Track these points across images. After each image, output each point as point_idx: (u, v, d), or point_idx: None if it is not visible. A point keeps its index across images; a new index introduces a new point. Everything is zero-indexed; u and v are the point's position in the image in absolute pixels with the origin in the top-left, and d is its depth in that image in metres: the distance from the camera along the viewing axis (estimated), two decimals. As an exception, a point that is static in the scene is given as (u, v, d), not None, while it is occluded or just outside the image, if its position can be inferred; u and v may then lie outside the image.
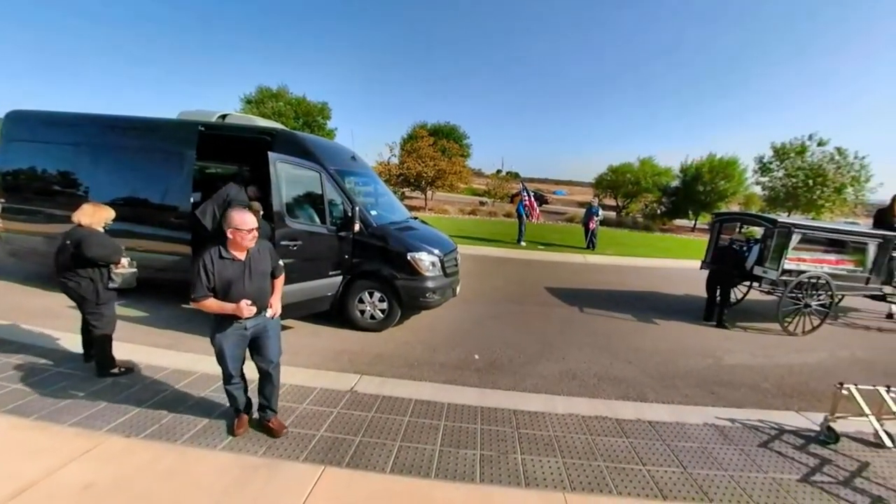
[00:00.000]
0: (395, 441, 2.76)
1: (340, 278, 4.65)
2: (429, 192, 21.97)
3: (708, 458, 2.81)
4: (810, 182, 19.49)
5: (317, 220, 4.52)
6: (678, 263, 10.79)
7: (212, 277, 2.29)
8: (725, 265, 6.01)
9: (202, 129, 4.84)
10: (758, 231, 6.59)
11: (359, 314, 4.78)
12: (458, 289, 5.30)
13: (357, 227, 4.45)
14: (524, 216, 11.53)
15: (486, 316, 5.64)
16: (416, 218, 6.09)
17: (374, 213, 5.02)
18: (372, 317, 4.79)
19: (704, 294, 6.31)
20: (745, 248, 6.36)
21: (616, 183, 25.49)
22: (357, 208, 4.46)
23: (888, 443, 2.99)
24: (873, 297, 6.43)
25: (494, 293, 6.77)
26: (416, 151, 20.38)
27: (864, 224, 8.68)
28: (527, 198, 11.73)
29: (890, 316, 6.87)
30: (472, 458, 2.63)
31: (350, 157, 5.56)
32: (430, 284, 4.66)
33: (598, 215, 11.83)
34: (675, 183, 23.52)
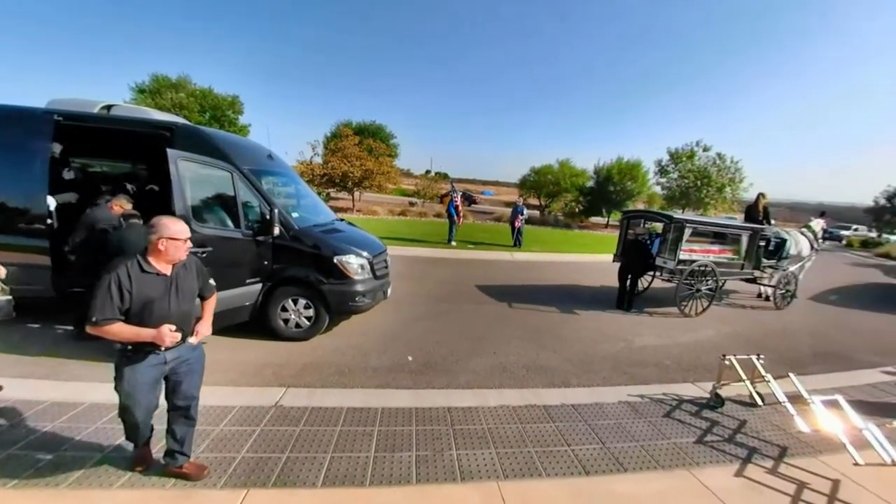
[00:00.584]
0: (326, 453, 2.62)
1: (260, 286, 4.30)
2: (356, 193, 21.38)
3: (622, 432, 3.14)
4: (698, 183, 23.24)
5: (229, 223, 4.12)
6: (595, 258, 11.95)
7: (126, 296, 1.89)
8: (634, 257, 6.83)
9: (60, 118, 4.10)
10: (659, 226, 7.58)
11: (282, 323, 4.46)
12: (389, 291, 5.23)
13: (277, 230, 4.16)
14: (455, 216, 11.78)
15: (419, 317, 5.65)
16: (342, 220, 5.89)
17: (295, 215, 4.73)
18: (297, 325, 4.50)
19: (617, 284, 7.07)
20: (649, 242, 7.29)
21: (538, 183, 27.35)
22: (276, 210, 4.17)
23: (759, 402, 3.64)
24: (747, 281, 7.78)
25: (427, 293, 6.82)
26: (342, 151, 19.69)
27: (738, 218, 10.52)
28: (457, 198, 12.02)
29: (759, 296, 8.40)
30: (408, 460, 2.60)
31: (267, 156, 5.18)
32: (359, 288, 4.53)
33: (523, 214, 12.56)
34: (590, 183, 26.03)
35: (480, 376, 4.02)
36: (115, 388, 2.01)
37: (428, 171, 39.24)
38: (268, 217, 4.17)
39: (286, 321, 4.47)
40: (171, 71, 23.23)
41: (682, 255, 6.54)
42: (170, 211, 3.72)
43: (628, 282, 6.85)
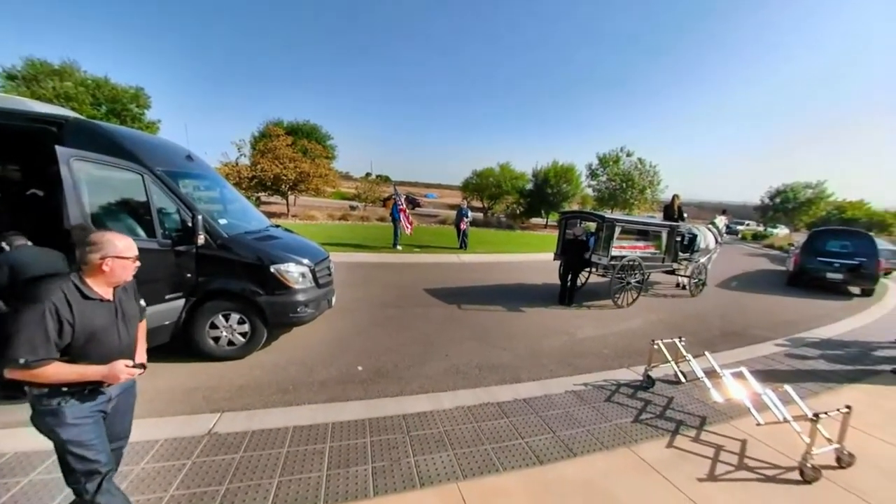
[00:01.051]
0: (272, 479, 2.47)
1: (182, 302, 3.90)
2: (291, 197, 20.30)
3: (570, 420, 3.38)
4: (624, 185, 25.77)
5: (141, 232, 3.67)
6: (537, 256, 12.66)
7: (67, 329, 1.59)
8: (572, 255, 7.37)
9: None
10: (593, 225, 8.26)
11: (212, 342, 4.09)
12: (333, 299, 5.07)
13: (201, 238, 3.81)
14: (399, 220, 11.72)
15: (367, 324, 5.54)
16: (277, 226, 5.59)
17: (223, 221, 4.36)
18: (230, 342, 4.16)
19: (559, 281, 7.59)
20: (585, 240, 7.91)
21: (481, 186, 28.28)
22: (200, 217, 3.81)
23: (682, 379, 4.12)
24: (667, 272, 8.79)
25: (374, 300, 6.71)
26: (272, 151, 18.53)
27: (658, 217, 11.84)
28: (401, 202, 11.95)
29: (677, 285, 9.51)
30: (364, 474, 2.55)
31: (185, 157, 4.72)
32: (300, 298, 4.32)
33: (467, 216, 12.91)
34: (529, 186, 27.52)
35: (434, 380, 4.05)
36: (52, 434, 1.65)
37: (368, 174, 38.45)
38: (189, 224, 3.81)
39: (217, 339, 4.11)
40: (55, 57, 20.09)
41: (614, 252, 7.22)
42: (59, 220, 3.25)
43: (568, 278, 7.37)
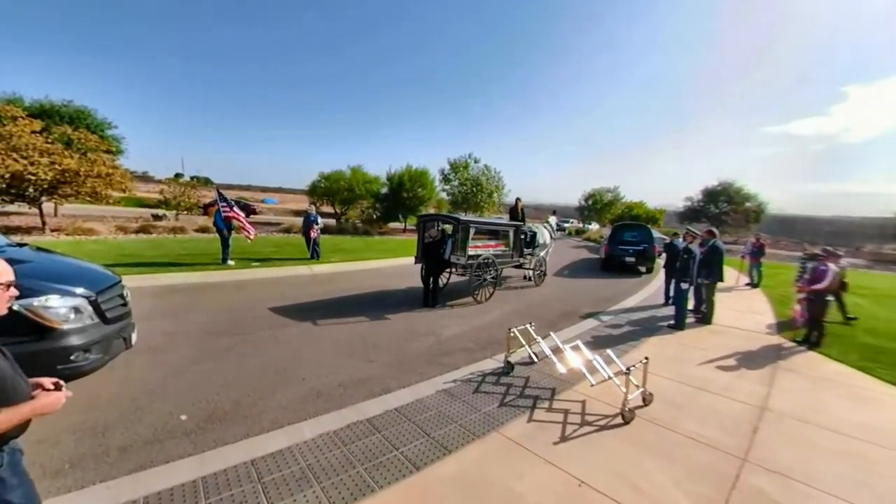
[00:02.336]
0: None
1: None
2: (48, 205, 15.40)
3: (443, 419, 3.56)
4: (474, 189, 28.74)
5: None
6: (398, 261, 12.93)
7: None
8: (433, 258, 7.81)
9: None
10: (449, 228, 8.93)
11: None
12: (134, 336, 4.11)
13: None
14: (225, 230, 10.21)
15: (190, 361, 4.64)
16: (24, 245, 4.21)
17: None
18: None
19: (421, 284, 7.93)
20: (443, 243, 8.49)
21: (331, 190, 27.27)
22: None
23: (535, 359, 4.83)
24: (515, 267, 10.20)
25: (199, 329, 5.68)
26: (6, 140, 13.53)
27: (505, 218, 13.64)
28: (228, 208, 10.41)
29: (524, 278, 11.11)
30: (200, 548, 2.11)
31: None
32: (75, 341, 3.32)
33: (317, 223, 12.25)
34: (384, 190, 27.95)
35: (290, 410, 3.67)
36: None
37: (179, 175, 32.39)
38: None
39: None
40: None
41: (471, 252, 7.98)
42: None
43: (431, 280, 7.78)
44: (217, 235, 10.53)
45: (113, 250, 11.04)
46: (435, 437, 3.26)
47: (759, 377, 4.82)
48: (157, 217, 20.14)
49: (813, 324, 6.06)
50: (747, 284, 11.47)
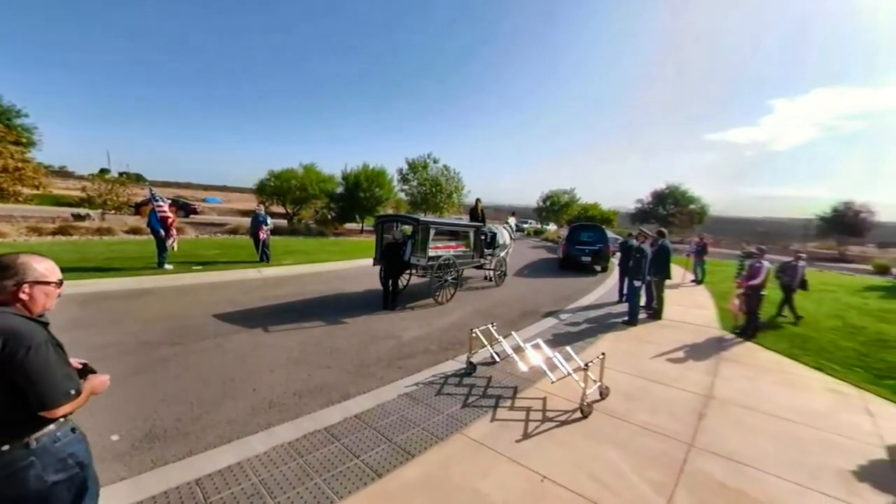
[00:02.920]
0: None
1: None
2: None
3: (406, 423, 3.54)
4: (434, 190, 28.81)
5: None
6: (355, 263, 12.67)
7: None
8: (392, 259, 7.73)
9: None
10: (409, 229, 8.90)
11: None
12: None
13: None
14: (161, 231, 9.49)
15: (123, 375, 4.27)
16: None
17: None
18: None
19: (380, 286, 7.82)
20: (403, 244, 8.44)
21: (281, 189, 26.23)
22: None
23: (497, 359, 4.91)
24: (476, 267, 10.33)
25: (132, 340, 5.26)
26: None
27: (465, 219, 13.80)
28: (163, 207, 9.68)
29: (485, 278, 11.28)
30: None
31: None
32: None
33: (267, 224, 11.77)
34: (339, 189, 27.31)
35: (239, 424, 3.49)
36: (71, 476, 1.64)
37: (105, 171, 29.71)
38: None
39: None
40: None
41: (431, 253, 8.00)
42: None
43: (391, 282, 7.70)
44: (152, 237, 9.80)
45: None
46: (397, 443, 3.23)
47: (705, 368, 5.22)
48: (78, 217, 18.36)
49: (750, 316, 6.65)
50: (692, 281, 12.37)
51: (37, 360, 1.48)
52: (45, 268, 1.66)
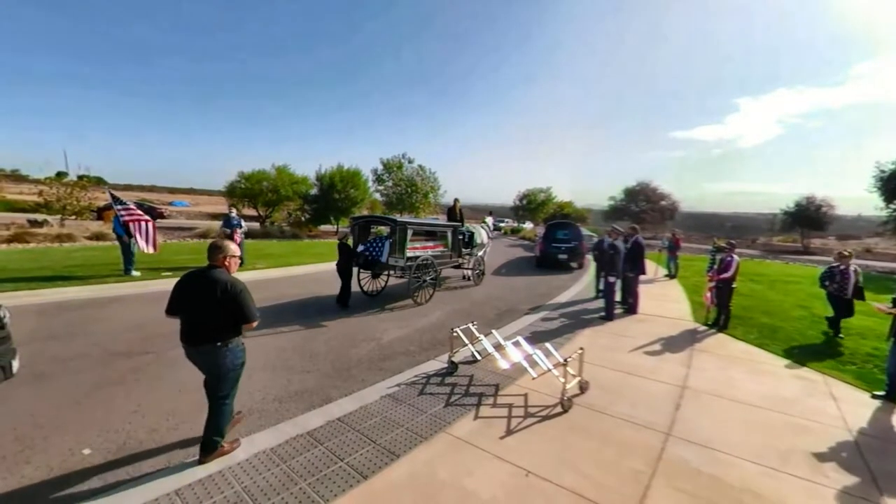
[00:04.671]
0: None
1: None
2: None
3: (389, 424, 3.56)
4: (410, 190, 28.74)
5: None
6: (331, 266, 12.45)
7: None
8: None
9: None
10: (385, 230, 8.89)
11: None
12: (16, 364, 3.58)
13: None
14: (126, 236, 9.10)
15: (91, 387, 4.12)
16: None
17: None
18: None
19: (357, 288, 7.78)
20: (381, 245, 8.42)
21: (253, 191, 25.62)
22: None
23: (478, 357, 5.00)
24: (455, 267, 10.40)
25: (100, 350, 5.06)
26: None
27: (442, 219, 13.85)
28: (126, 212, 9.17)
29: (464, 277, 11.37)
30: None
31: None
32: None
33: (241, 227, 11.51)
34: (314, 191, 26.91)
35: (217, 432, 3.42)
36: (234, 367, 3.05)
37: (62, 174, 28.21)
38: None
39: None
40: None
41: (409, 253, 8.00)
42: None
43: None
44: (117, 243, 9.41)
45: (-26, 264, 9.36)
46: (381, 444, 3.25)
47: (680, 359, 5.45)
48: (35, 223, 17.40)
49: (721, 308, 6.97)
50: (666, 276, 12.84)
51: (245, 296, 2.91)
52: (234, 248, 3.07)
